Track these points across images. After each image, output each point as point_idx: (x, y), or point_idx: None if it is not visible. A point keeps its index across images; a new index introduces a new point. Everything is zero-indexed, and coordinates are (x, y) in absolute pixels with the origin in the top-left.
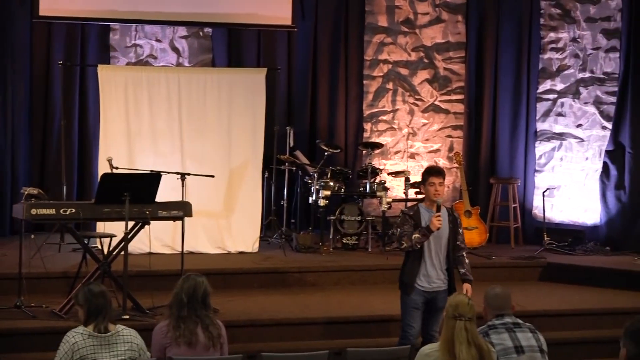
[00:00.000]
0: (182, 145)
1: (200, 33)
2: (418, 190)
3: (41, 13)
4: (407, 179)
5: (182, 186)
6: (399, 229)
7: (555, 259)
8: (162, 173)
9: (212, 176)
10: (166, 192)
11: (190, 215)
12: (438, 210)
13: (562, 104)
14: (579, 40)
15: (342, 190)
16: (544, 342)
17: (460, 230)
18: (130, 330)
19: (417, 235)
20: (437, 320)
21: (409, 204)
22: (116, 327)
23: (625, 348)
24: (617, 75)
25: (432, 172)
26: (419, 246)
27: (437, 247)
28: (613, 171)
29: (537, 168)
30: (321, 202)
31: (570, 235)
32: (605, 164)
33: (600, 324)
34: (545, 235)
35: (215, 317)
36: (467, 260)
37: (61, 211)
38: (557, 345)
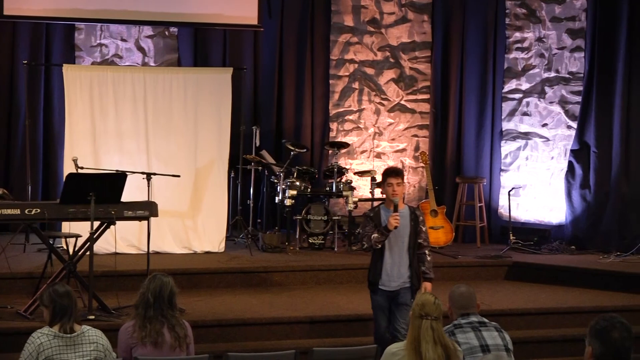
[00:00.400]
0: (148, 145)
1: (166, 32)
2: None
3: (5, 12)
4: (373, 179)
5: (148, 186)
6: (361, 230)
7: (520, 258)
8: (127, 173)
9: (178, 176)
10: (132, 192)
11: (156, 215)
12: (395, 209)
13: (528, 104)
14: (544, 40)
15: (309, 190)
16: (509, 340)
17: (424, 228)
18: (95, 330)
19: (375, 235)
20: (401, 316)
21: (375, 203)
22: (82, 328)
23: (590, 346)
24: (582, 75)
25: (390, 172)
26: (379, 246)
27: (398, 245)
28: (578, 170)
29: (502, 167)
30: (287, 202)
31: (535, 234)
32: (570, 163)
33: (566, 322)
34: (511, 235)
35: (182, 317)
36: (429, 258)
37: (26, 211)
38: (523, 343)
